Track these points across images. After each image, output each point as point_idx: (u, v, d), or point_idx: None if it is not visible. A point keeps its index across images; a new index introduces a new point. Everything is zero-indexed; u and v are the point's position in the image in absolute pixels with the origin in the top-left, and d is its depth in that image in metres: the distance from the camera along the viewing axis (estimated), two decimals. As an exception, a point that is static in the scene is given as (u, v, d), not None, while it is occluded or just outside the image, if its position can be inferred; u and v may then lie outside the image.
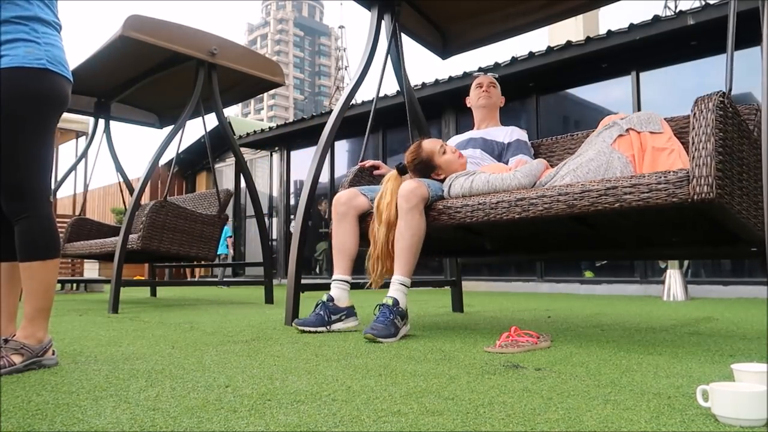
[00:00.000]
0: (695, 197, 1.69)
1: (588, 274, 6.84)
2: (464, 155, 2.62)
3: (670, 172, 1.77)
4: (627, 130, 2.24)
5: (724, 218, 1.85)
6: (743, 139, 1.86)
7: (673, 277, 5.19)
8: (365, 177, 2.89)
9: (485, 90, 3.02)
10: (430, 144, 2.56)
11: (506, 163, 2.77)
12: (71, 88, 1.78)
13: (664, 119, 2.33)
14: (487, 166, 2.65)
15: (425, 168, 2.52)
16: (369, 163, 2.95)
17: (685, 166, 1.99)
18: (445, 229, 2.36)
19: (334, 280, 2.52)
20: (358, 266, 2.55)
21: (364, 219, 2.55)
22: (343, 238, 2.52)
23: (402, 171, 2.53)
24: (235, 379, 1.43)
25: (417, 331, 2.49)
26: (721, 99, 1.74)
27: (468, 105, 3.12)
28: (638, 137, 2.21)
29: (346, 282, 2.51)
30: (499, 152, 2.83)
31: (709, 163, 1.68)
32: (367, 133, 3.20)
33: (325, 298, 2.48)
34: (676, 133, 2.29)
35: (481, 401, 1.20)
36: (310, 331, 2.40)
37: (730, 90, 1.88)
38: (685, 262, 5.84)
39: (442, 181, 2.48)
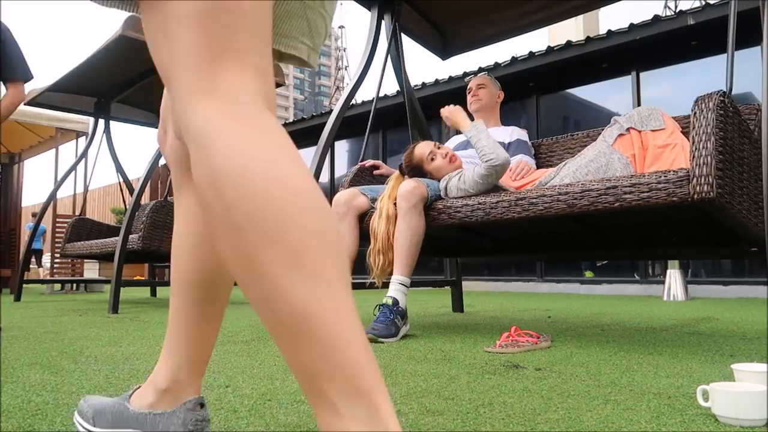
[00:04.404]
0: (695, 196, 1.69)
1: (588, 274, 6.83)
2: (459, 156, 2.61)
3: (670, 171, 1.77)
4: (628, 129, 2.24)
5: (725, 218, 1.84)
6: (744, 138, 1.86)
7: (673, 277, 5.19)
8: (365, 177, 2.89)
9: (473, 94, 3.02)
10: (420, 150, 2.55)
11: (506, 162, 2.77)
12: None
13: (665, 118, 2.33)
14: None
15: (418, 173, 2.53)
16: (369, 162, 2.95)
17: (687, 159, 1.99)
18: (445, 228, 2.36)
19: (334, 280, 2.51)
20: (358, 266, 2.55)
21: (363, 219, 2.55)
22: (342, 238, 2.51)
23: (403, 171, 2.56)
24: (235, 379, 1.43)
25: (417, 331, 2.49)
26: (721, 98, 1.74)
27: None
28: (639, 136, 2.21)
29: (346, 282, 2.51)
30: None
31: (709, 162, 1.68)
32: (367, 133, 3.20)
33: (325, 298, 2.48)
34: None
35: (481, 401, 1.20)
36: (310, 331, 2.40)
37: (731, 89, 1.88)
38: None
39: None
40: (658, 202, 1.76)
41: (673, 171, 1.76)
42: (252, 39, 0.59)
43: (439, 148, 2.55)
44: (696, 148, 1.72)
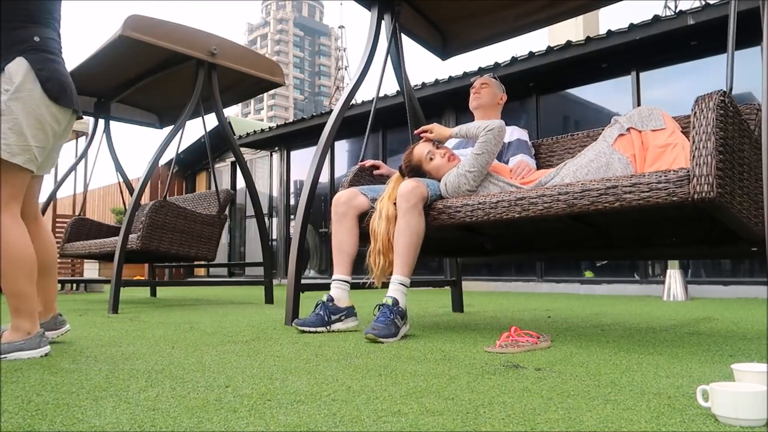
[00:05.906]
0: (695, 196, 1.69)
1: (588, 274, 6.83)
2: (458, 156, 2.61)
3: (670, 171, 1.77)
4: (628, 129, 2.24)
5: (725, 218, 1.84)
6: (744, 138, 1.86)
7: (673, 277, 5.19)
8: (365, 177, 2.89)
9: (476, 91, 3.02)
10: (419, 150, 2.56)
11: (506, 162, 2.77)
12: None
13: (665, 118, 2.33)
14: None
15: (417, 173, 2.53)
16: (369, 162, 2.95)
17: (687, 159, 1.99)
18: (445, 228, 2.36)
19: (334, 280, 2.51)
20: (358, 266, 2.55)
21: (363, 219, 2.55)
22: (342, 237, 2.52)
23: (403, 173, 2.56)
24: (235, 379, 1.43)
25: (417, 331, 2.49)
26: (721, 98, 1.73)
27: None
28: (639, 136, 2.21)
29: (346, 282, 2.51)
30: (500, 152, 2.82)
31: (709, 162, 1.68)
32: (367, 133, 3.20)
33: (325, 298, 2.48)
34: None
35: (481, 401, 1.20)
36: (309, 332, 2.40)
37: (731, 89, 1.88)
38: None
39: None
40: (658, 202, 1.76)
41: (674, 171, 1.76)
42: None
43: (438, 147, 2.55)
44: (696, 148, 1.72)
